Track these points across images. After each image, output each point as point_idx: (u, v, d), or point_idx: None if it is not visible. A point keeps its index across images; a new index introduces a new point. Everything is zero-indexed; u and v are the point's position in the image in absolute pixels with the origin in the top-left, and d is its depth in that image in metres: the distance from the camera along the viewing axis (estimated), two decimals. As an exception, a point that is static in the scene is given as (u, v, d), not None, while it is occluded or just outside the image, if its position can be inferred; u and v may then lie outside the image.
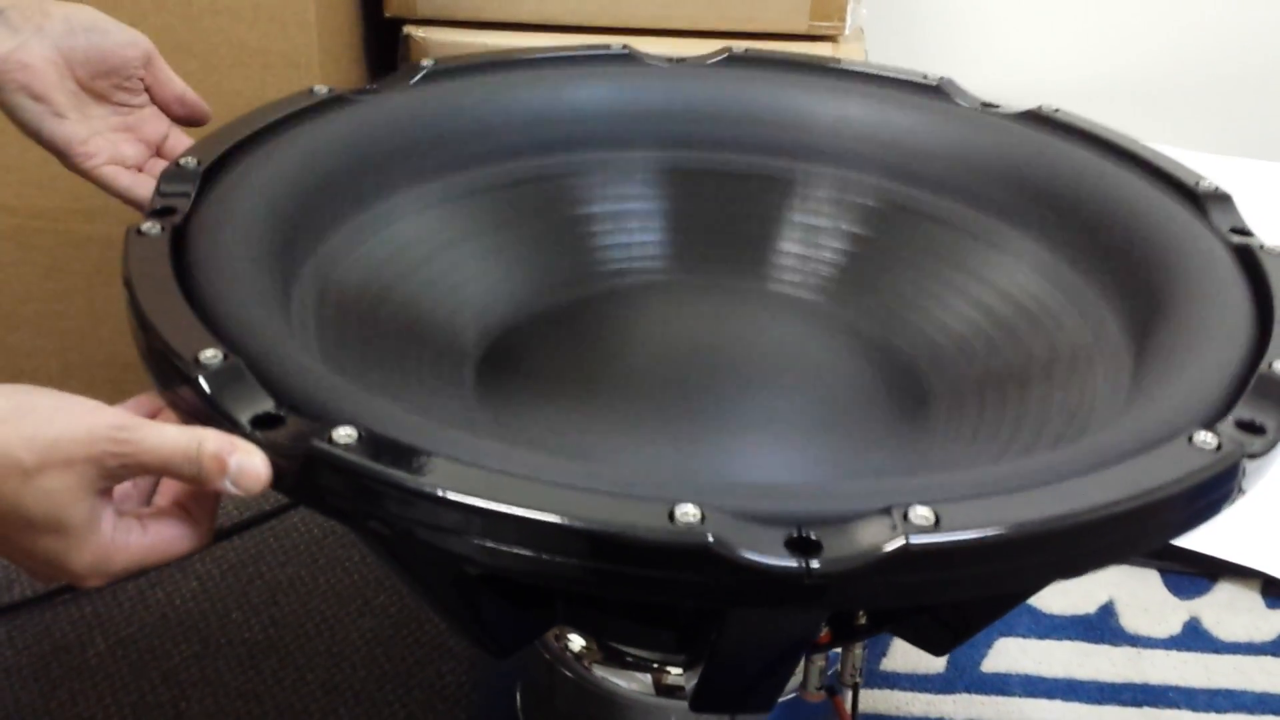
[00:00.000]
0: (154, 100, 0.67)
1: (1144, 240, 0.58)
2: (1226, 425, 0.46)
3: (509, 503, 0.39)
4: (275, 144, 0.61)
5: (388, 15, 1.00)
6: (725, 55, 0.75)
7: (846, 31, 1.01)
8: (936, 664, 0.88)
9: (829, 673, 0.64)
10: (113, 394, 0.45)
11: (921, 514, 0.39)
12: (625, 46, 0.74)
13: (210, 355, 0.44)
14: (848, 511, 0.39)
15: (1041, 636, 0.92)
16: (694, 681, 0.60)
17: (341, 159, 0.62)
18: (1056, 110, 0.68)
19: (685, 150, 0.71)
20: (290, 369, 0.44)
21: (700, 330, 0.66)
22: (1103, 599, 0.95)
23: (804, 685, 0.64)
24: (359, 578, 0.92)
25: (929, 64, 0.76)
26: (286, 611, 0.89)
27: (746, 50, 0.75)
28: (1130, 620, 0.94)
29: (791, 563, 0.37)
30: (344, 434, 0.41)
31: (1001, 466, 0.42)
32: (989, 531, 0.39)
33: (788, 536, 0.38)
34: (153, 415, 0.46)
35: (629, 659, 0.62)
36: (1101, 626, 0.93)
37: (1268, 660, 0.91)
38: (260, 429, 0.42)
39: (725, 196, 0.70)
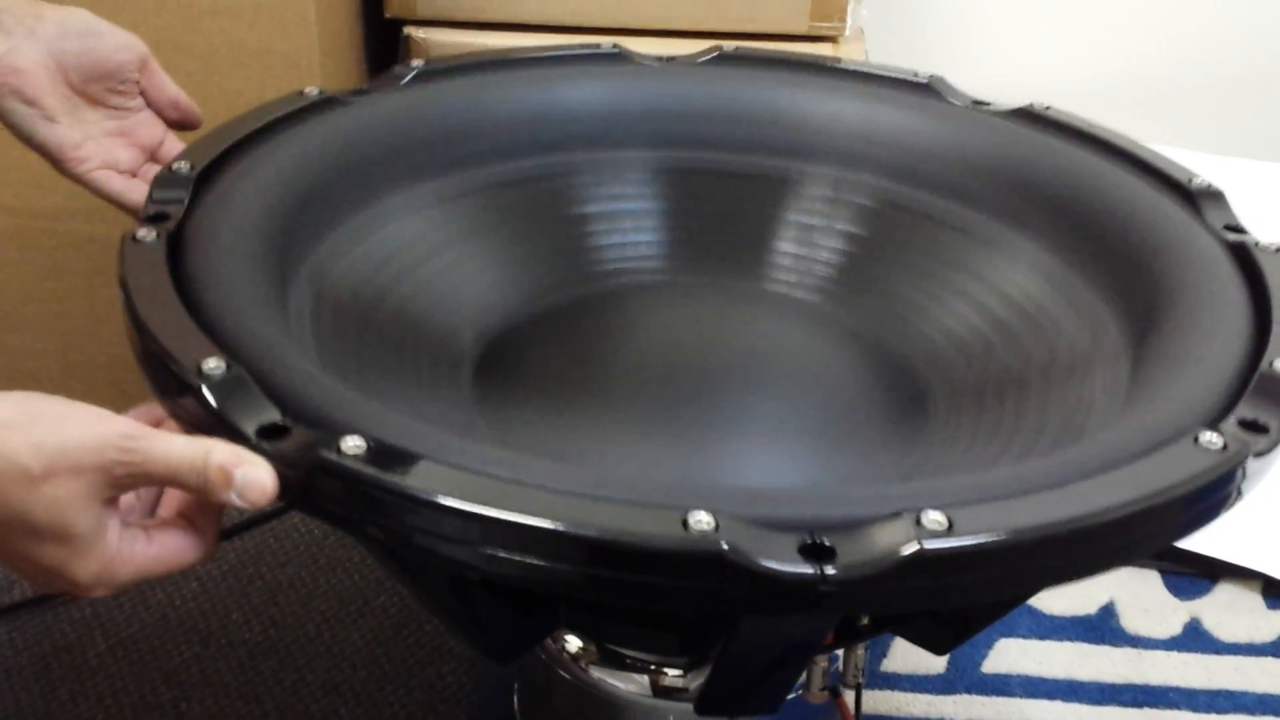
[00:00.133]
0: (148, 104, 0.66)
1: (1140, 239, 0.57)
2: (1230, 425, 0.46)
3: (522, 513, 0.38)
4: (268, 147, 0.60)
5: (388, 16, 1.00)
6: (716, 54, 0.75)
7: (847, 32, 1.01)
8: (937, 665, 0.88)
9: (831, 673, 0.64)
10: (114, 394, 0.45)
11: (934, 519, 0.39)
12: (615, 46, 0.74)
13: (213, 365, 0.43)
14: (860, 517, 0.39)
15: (1042, 637, 0.91)
16: (696, 683, 0.60)
17: (334, 162, 0.61)
18: (1048, 108, 0.68)
19: (679, 149, 0.71)
20: (294, 377, 0.44)
21: (698, 331, 0.66)
22: (1103, 600, 0.95)
23: (807, 686, 0.64)
24: (359, 579, 0.92)
25: (929, 64, 0.76)
26: (287, 612, 0.89)
27: (737, 49, 0.75)
28: (1131, 621, 0.93)
29: (807, 570, 0.37)
30: (352, 444, 0.40)
31: (1011, 469, 0.42)
32: (1002, 536, 0.39)
33: (801, 543, 0.38)
34: (156, 424, 0.46)
35: (626, 660, 0.62)
36: (1102, 627, 0.93)
37: (1268, 661, 0.90)
38: (266, 440, 0.41)
39: (721, 195, 0.70)
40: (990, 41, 1.47)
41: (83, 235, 0.96)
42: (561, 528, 0.38)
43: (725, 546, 0.37)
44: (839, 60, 0.75)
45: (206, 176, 0.58)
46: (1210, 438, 0.44)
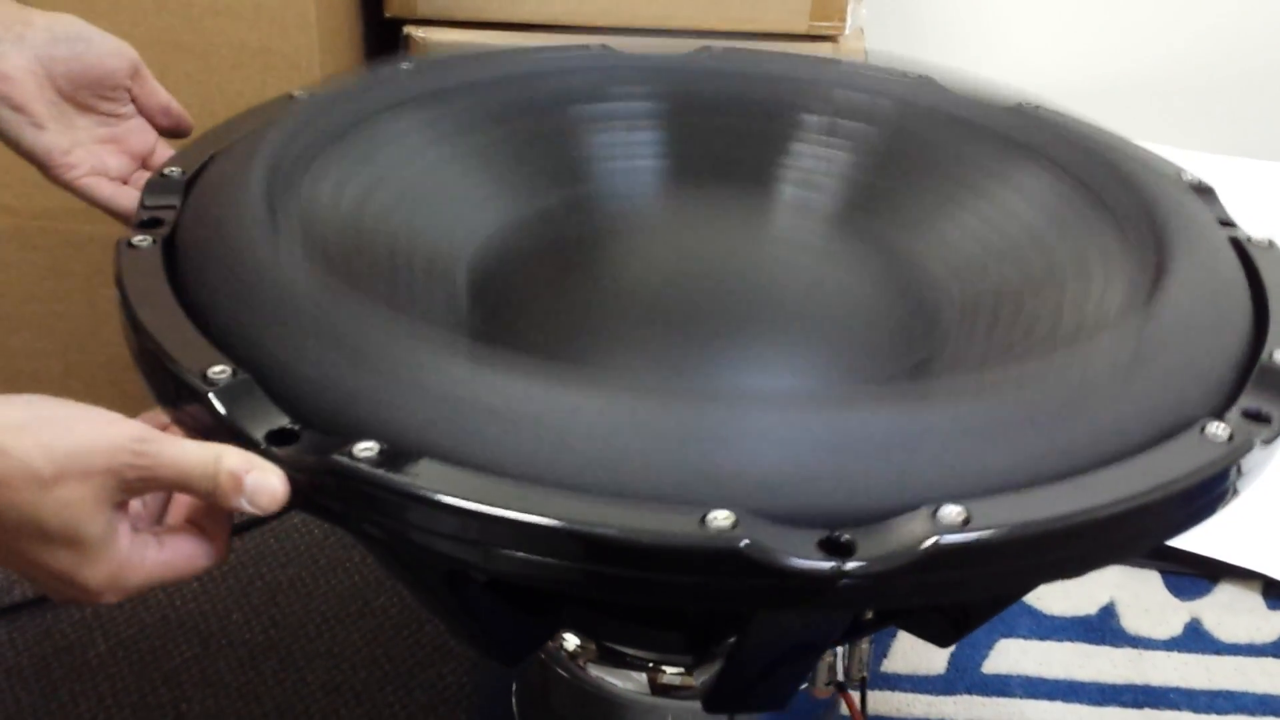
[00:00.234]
0: (140, 111, 0.66)
1: (1149, 217, 0.57)
2: (1234, 415, 0.46)
3: (540, 514, 0.38)
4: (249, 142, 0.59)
5: (388, 15, 1.00)
6: (703, 50, 0.75)
7: (846, 31, 1.01)
8: (937, 665, 0.88)
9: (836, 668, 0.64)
10: (114, 395, 0.45)
11: (952, 512, 0.39)
12: (603, 46, 0.74)
13: (218, 371, 0.43)
14: (877, 510, 0.39)
15: (1042, 638, 0.92)
16: (695, 681, 0.60)
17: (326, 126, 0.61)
18: (1037, 107, 0.68)
19: (683, 99, 0.71)
20: (301, 381, 0.43)
21: (702, 248, 0.65)
22: (1104, 600, 0.95)
23: (812, 681, 0.64)
24: (359, 579, 0.92)
25: (929, 64, 0.76)
26: (287, 612, 0.89)
27: (725, 48, 0.75)
28: (1131, 621, 0.94)
29: (826, 565, 0.37)
30: (364, 448, 0.40)
31: (1022, 456, 0.42)
32: (1019, 529, 0.39)
33: (820, 539, 0.38)
34: (162, 429, 0.46)
35: (625, 659, 0.62)
36: (1102, 628, 0.93)
37: (1269, 661, 0.90)
38: (276, 445, 0.41)
39: (722, 126, 0.70)
40: (991, 42, 1.47)
41: (83, 235, 0.96)
42: (579, 529, 0.38)
43: (744, 544, 0.37)
44: (831, 57, 0.76)
45: (196, 181, 0.57)
46: (1216, 429, 0.44)
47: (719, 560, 0.37)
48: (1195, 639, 0.92)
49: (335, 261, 0.53)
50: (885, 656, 0.89)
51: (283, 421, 0.42)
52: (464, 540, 0.39)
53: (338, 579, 0.92)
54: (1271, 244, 0.59)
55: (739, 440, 0.40)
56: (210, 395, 0.42)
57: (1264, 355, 0.49)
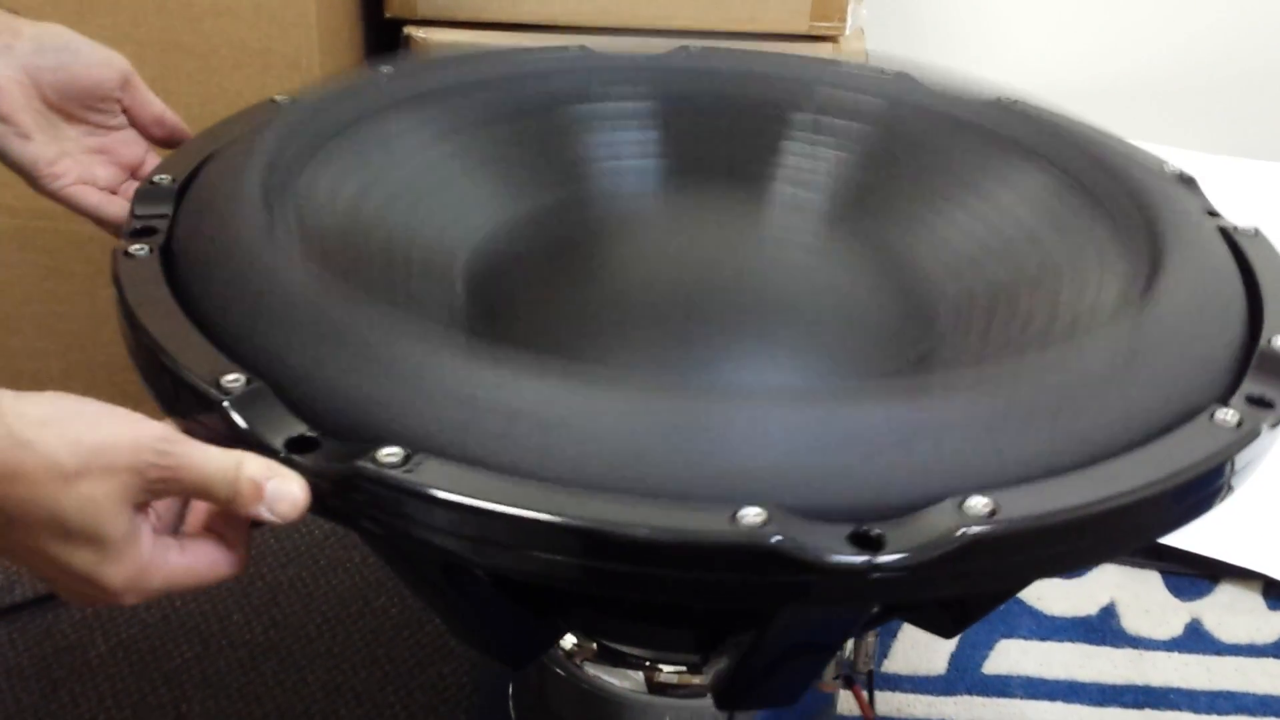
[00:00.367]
0: (132, 122, 0.65)
1: (1140, 208, 0.57)
2: (1239, 401, 0.47)
3: (572, 516, 0.38)
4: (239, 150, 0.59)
5: (388, 16, 1.00)
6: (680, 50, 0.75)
7: (847, 32, 1.01)
8: (938, 665, 0.88)
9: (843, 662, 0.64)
10: (114, 395, 0.45)
11: (980, 503, 0.39)
12: (582, 47, 0.74)
13: (232, 379, 0.42)
14: (900, 503, 0.39)
15: (1043, 638, 0.92)
16: (706, 677, 0.60)
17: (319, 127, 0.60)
18: (1015, 101, 0.68)
19: (678, 97, 0.71)
20: (319, 387, 0.43)
21: (701, 251, 0.65)
22: (1104, 600, 0.95)
23: (820, 675, 0.64)
24: (360, 579, 0.92)
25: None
26: (287, 613, 0.89)
27: (702, 48, 0.75)
28: (1131, 622, 0.94)
29: (860, 560, 0.37)
30: (389, 453, 0.39)
31: (1039, 446, 0.43)
32: (1046, 518, 0.39)
33: (849, 533, 0.38)
34: None
35: (622, 657, 0.62)
36: (1103, 628, 0.93)
37: (1269, 662, 0.90)
38: (296, 452, 0.41)
39: (717, 126, 0.70)
40: (991, 42, 1.47)
41: (83, 235, 0.95)
42: (611, 530, 0.38)
43: (776, 540, 0.37)
44: (811, 56, 0.76)
45: (188, 188, 0.57)
46: (1226, 414, 0.45)
47: (752, 557, 0.37)
48: (1196, 639, 0.92)
49: (333, 264, 0.53)
50: (886, 657, 0.89)
51: (300, 429, 0.42)
52: (493, 544, 0.39)
53: (338, 579, 0.92)
54: (1257, 232, 0.60)
55: (763, 436, 0.40)
56: (226, 404, 0.42)
57: (1263, 341, 0.50)
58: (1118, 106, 1.45)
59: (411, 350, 0.43)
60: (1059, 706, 0.86)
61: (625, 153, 0.69)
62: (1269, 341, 0.50)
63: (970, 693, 0.87)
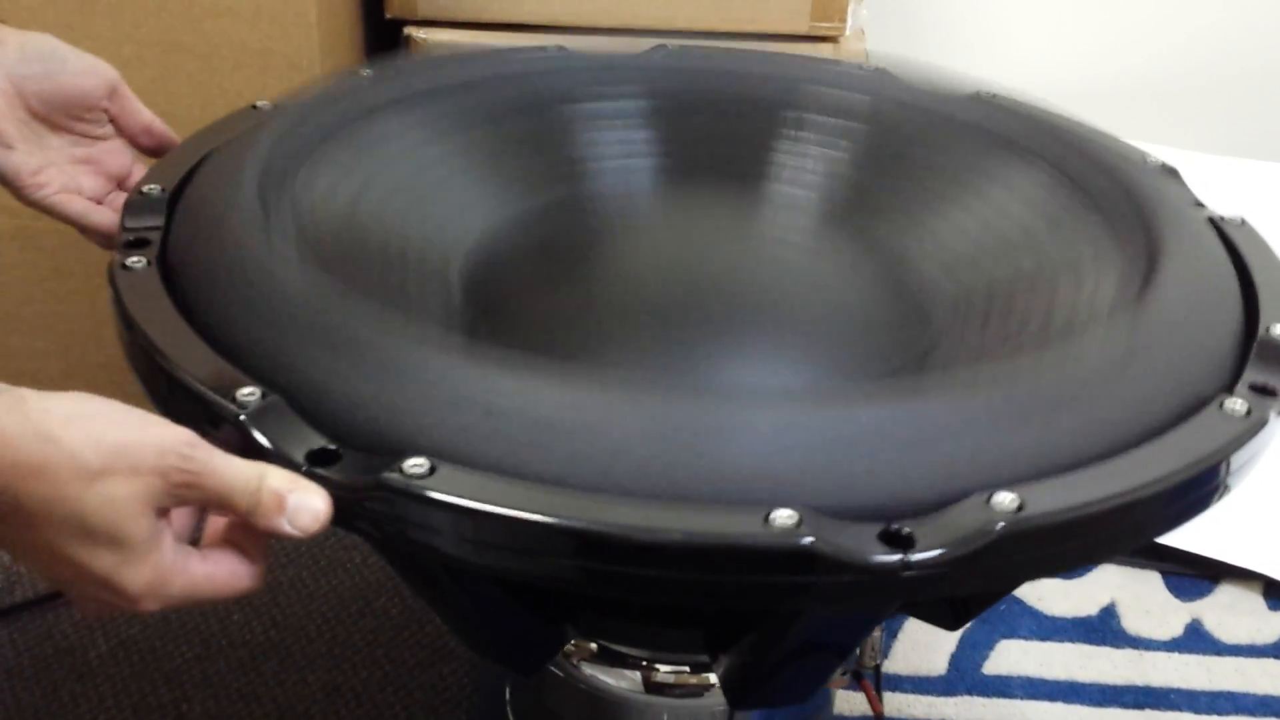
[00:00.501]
0: (120, 131, 0.64)
1: (1132, 202, 0.58)
2: (1243, 390, 0.47)
3: (606, 523, 0.38)
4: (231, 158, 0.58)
5: (389, 16, 1.00)
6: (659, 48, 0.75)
7: (847, 32, 1.01)
8: (938, 666, 0.88)
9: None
10: (114, 396, 0.44)
11: (1007, 498, 0.39)
12: (560, 48, 0.73)
13: (247, 393, 0.42)
14: (926, 500, 0.40)
15: (1043, 638, 0.91)
16: (715, 677, 0.60)
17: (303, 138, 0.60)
18: (994, 96, 0.68)
19: (671, 97, 0.71)
20: (337, 399, 0.42)
21: (697, 251, 0.65)
22: (1104, 601, 0.95)
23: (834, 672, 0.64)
24: (360, 580, 0.93)
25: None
26: (288, 613, 0.89)
27: (680, 47, 0.75)
28: (1132, 622, 0.93)
29: (894, 558, 0.38)
30: (414, 464, 0.39)
31: (1058, 440, 0.43)
32: (1072, 512, 0.40)
33: (879, 532, 0.38)
34: None
35: (619, 657, 0.62)
36: (1103, 628, 0.93)
37: (1269, 662, 0.90)
38: (318, 465, 0.40)
39: (713, 125, 0.70)
40: (991, 42, 1.47)
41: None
42: (645, 537, 0.38)
43: (809, 541, 0.37)
44: (789, 54, 0.76)
45: (180, 197, 0.56)
46: (1235, 403, 0.45)
47: (788, 559, 0.38)
48: (1196, 640, 0.92)
49: (332, 269, 0.53)
50: (886, 657, 0.89)
51: (320, 441, 0.41)
52: (524, 553, 0.39)
53: (338, 579, 0.92)
54: (1244, 222, 0.60)
55: (789, 438, 0.40)
56: (243, 418, 0.41)
57: (1262, 330, 0.51)
58: (1118, 106, 1.45)
59: (432, 360, 0.43)
60: (1059, 707, 0.86)
61: (612, 153, 0.69)
62: (1268, 330, 0.50)
63: (970, 693, 0.87)
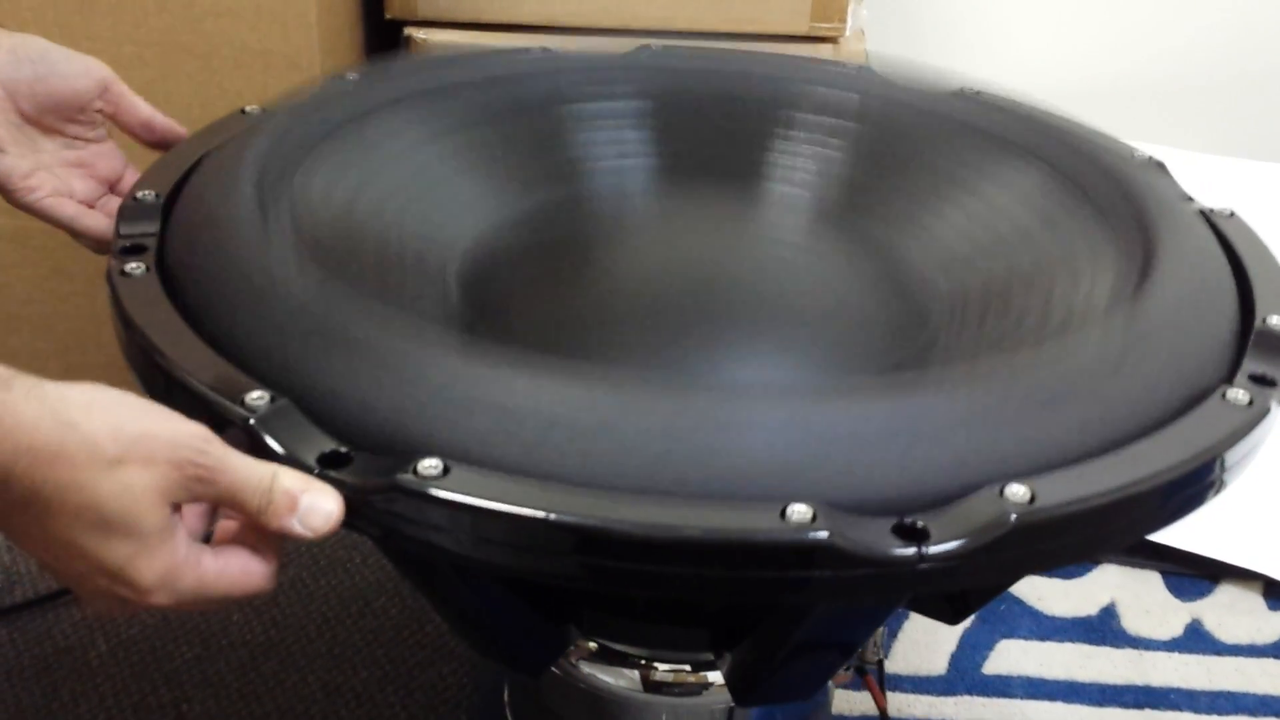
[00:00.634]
0: (120, 127, 0.64)
1: (1126, 197, 0.58)
2: (1243, 380, 0.47)
3: (621, 520, 0.38)
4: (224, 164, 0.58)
5: (389, 17, 1.00)
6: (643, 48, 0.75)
7: (847, 32, 1.01)
8: (938, 666, 0.88)
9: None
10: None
11: (1019, 491, 0.39)
12: (544, 49, 0.73)
13: (256, 397, 0.42)
14: (937, 493, 0.40)
15: (1043, 638, 0.92)
16: (721, 673, 0.60)
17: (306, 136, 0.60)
18: (978, 92, 0.68)
19: (666, 95, 0.71)
20: (347, 402, 0.42)
21: (694, 250, 0.65)
22: (1104, 601, 0.95)
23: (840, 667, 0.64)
24: (360, 580, 0.93)
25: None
26: (288, 613, 0.89)
27: (664, 46, 0.75)
28: (1132, 622, 0.94)
29: (910, 552, 0.38)
30: (429, 465, 0.39)
31: (1065, 432, 0.43)
32: (1083, 503, 0.40)
33: (892, 525, 0.39)
34: None
35: (618, 655, 0.62)
36: (1103, 628, 0.93)
37: (1269, 662, 0.90)
38: (330, 468, 0.40)
39: (709, 125, 0.70)
40: (991, 42, 1.47)
41: (83, 236, 0.96)
42: (663, 535, 0.38)
43: (827, 536, 0.37)
44: (775, 54, 0.77)
45: (174, 202, 0.56)
46: (1237, 394, 0.46)
47: (805, 554, 0.38)
48: (1196, 640, 0.92)
49: (332, 269, 0.53)
50: (886, 658, 0.89)
51: (330, 444, 0.41)
52: (541, 552, 0.39)
53: (338, 579, 0.92)
54: (1233, 214, 0.60)
55: (800, 433, 0.41)
56: (253, 422, 0.41)
57: (1258, 321, 0.51)
58: (1118, 106, 1.45)
59: (443, 361, 0.43)
60: (1059, 707, 0.86)
61: (607, 153, 0.69)
62: (1264, 320, 0.51)
63: (970, 693, 0.87)
